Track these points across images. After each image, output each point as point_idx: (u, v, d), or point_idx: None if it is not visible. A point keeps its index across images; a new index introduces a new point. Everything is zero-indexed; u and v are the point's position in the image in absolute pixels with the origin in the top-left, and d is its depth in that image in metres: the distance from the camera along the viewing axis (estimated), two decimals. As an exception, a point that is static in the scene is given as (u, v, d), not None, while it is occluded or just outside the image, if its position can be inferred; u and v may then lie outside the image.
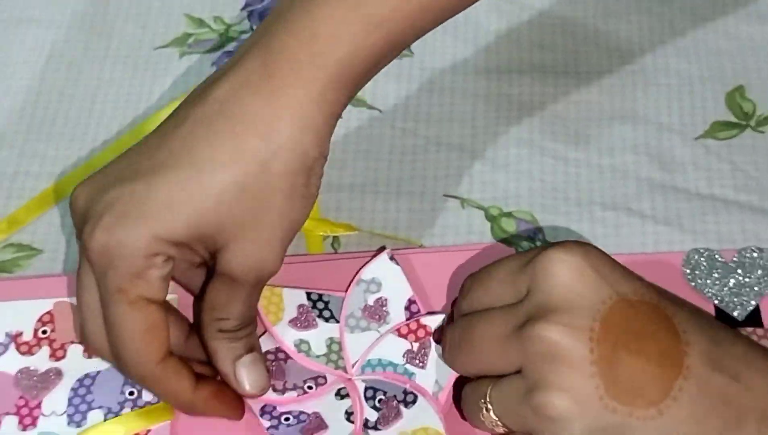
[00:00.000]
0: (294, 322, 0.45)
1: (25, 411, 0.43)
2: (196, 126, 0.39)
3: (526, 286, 0.38)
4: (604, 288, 0.37)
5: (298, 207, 0.40)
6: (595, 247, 0.38)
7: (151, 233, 0.38)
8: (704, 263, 0.47)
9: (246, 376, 0.42)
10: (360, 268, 0.47)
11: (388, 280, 0.47)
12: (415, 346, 0.45)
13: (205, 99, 0.39)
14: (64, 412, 0.43)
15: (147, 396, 0.43)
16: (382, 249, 0.48)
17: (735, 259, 0.48)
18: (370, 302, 0.46)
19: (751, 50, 0.56)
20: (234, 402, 0.42)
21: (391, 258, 0.47)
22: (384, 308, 0.46)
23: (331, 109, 0.40)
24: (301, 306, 0.46)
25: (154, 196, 0.38)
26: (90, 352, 0.44)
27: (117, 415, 0.43)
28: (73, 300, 0.45)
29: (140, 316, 0.39)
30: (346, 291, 0.47)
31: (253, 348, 0.42)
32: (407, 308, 0.46)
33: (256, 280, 0.41)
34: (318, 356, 0.44)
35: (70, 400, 0.44)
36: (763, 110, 0.54)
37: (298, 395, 0.43)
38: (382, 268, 0.47)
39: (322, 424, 0.43)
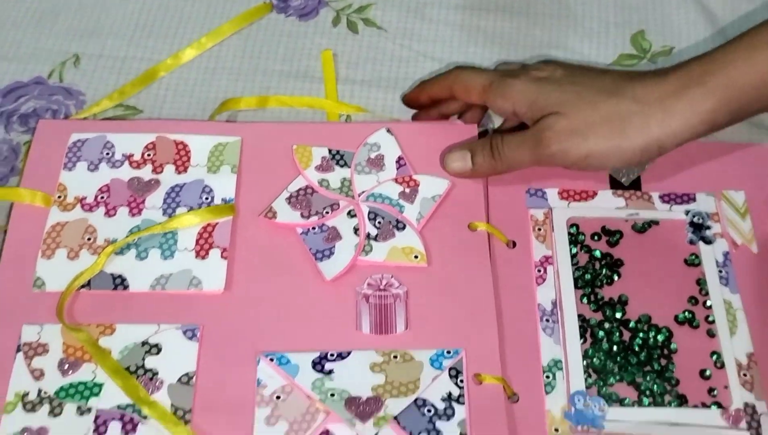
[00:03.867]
0: (318, 168, 0.58)
1: (133, 205, 0.57)
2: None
3: None
4: None
5: (613, 147, 0.51)
6: None
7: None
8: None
9: (453, 154, 0.57)
10: (366, 136, 0.60)
11: (385, 144, 0.60)
12: (407, 190, 0.58)
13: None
14: (160, 207, 0.56)
15: (217, 200, 0.56)
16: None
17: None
18: (372, 156, 0.59)
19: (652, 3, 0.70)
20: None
21: (388, 130, 0.60)
22: (381, 161, 0.59)
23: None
24: (323, 157, 0.59)
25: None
26: None
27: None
28: (170, 135, 0.59)
29: None
30: (356, 149, 0.60)
31: (474, 161, 0.56)
32: (397, 162, 0.59)
33: (546, 146, 0.52)
34: (334, 189, 0.58)
35: (164, 199, 0.57)
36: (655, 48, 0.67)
37: (318, 218, 0.56)
38: (381, 137, 0.60)
39: (338, 235, 0.55)
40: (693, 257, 0.55)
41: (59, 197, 0.57)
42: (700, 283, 0.54)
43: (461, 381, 0.50)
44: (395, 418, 0.48)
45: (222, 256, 0.54)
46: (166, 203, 0.56)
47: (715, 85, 0.50)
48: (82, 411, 0.48)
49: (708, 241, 0.56)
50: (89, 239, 0.55)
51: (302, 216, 0.56)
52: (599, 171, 0.57)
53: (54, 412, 0.48)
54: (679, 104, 0.50)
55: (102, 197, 0.57)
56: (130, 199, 0.57)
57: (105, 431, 0.48)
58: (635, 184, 0.59)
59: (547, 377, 0.51)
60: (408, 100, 0.62)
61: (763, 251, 0.55)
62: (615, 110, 0.51)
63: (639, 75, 0.53)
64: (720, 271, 0.55)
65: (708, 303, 0.53)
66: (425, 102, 0.61)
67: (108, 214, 0.56)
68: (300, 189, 0.58)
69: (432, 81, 0.60)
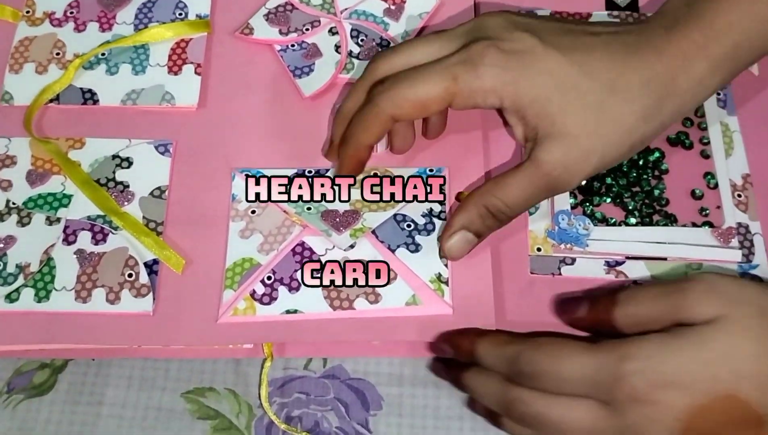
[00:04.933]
0: None
1: (104, 20, 0.53)
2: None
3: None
4: (678, 401, 0.36)
5: (626, 146, 0.42)
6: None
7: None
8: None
9: (454, 244, 0.43)
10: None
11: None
12: (393, 7, 0.54)
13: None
14: (132, 23, 0.53)
15: (191, 16, 0.53)
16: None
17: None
18: None
19: None
20: None
21: None
22: None
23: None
24: None
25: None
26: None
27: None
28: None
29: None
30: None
31: (478, 234, 0.44)
32: (384, -21, 0.55)
33: (555, 182, 0.41)
34: (315, 6, 0.54)
35: (136, 15, 0.53)
36: None
37: (298, 35, 0.53)
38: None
39: (318, 52, 0.52)
40: (690, 79, 0.52)
41: (27, 12, 0.53)
42: (697, 104, 0.51)
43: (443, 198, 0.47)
44: (373, 231, 0.46)
45: (196, 72, 0.51)
46: (137, 19, 0.53)
47: (722, 56, 0.42)
48: (51, 221, 0.46)
49: (707, 62, 0.52)
50: (58, 54, 0.52)
51: (281, 33, 0.52)
52: None
53: (22, 222, 0.46)
54: (687, 83, 0.42)
55: (71, 12, 0.53)
56: (100, 14, 0.53)
57: (74, 241, 0.46)
58: (632, 6, 0.54)
59: (532, 199, 0.48)
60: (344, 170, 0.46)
61: (765, 73, 0.52)
62: (629, 110, 0.41)
63: (634, 47, 0.42)
64: (718, 94, 0.51)
65: (703, 124, 0.50)
66: (366, 156, 0.45)
67: (77, 29, 0.53)
68: (279, 5, 0.54)
69: (359, 123, 0.44)
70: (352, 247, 0.45)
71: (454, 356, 0.43)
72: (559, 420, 0.38)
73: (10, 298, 0.44)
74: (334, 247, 0.46)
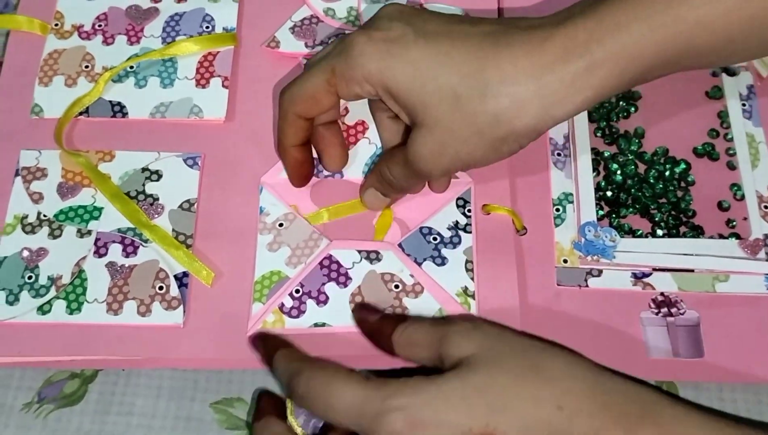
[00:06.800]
0: None
1: (132, 33, 0.53)
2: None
3: None
4: None
5: (489, 152, 0.40)
6: (431, 396, 0.36)
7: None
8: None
9: (366, 197, 0.46)
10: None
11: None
12: None
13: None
14: (159, 36, 0.53)
15: (218, 29, 0.52)
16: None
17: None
18: None
19: None
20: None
21: None
22: None
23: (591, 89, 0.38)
24: None
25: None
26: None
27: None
28: None
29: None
30: (364, -22, 0.55)
31: (384, 194, 0.45)
32: None
33: (417, 168, 0.41)
34: (341, 18, 0.53)
35: (164, 28, 0.53)
36: None
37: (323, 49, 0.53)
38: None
39: None
40: (715, 90, 0.51)
41: (56, 25, 0.53)
42: (722, 115, 0.50)
43: (469, 211, 0.47)
44: (399, 244, 0.46)
45: (223, 85, 0.51)
46: (165, 32, 0.53)
47: (603, 56, 0.38)
48: (82, 234, 0.46)
49: (731, 73, 0.51)
50: (87, 67, 0.51)
51: (306, 46, 0.52)
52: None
53: (54, 234, 0.46)
54: (556, 82, 0.38)
55: (100, 25, 0.53)
56: (128, 27, 0.53)
57: (105, 253, 0.46)
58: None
59: (557, 210, 0.47)
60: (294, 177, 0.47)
61: (791, 83, 0.51)
62: (481, 109, 0.38)
63: (508, 39, 0.39)
64: (743, 104, 0.50)
65: (729, 135, 0.49)
66: (300, 158, 0.46)
67: (106, 42, 0.52)
68: (305, 18, 0.53)
69: (278, 128, 0.45)
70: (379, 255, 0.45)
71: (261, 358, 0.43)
72: None
73: (42, 309, 0.44)
74: (361, 260, 0.45)
